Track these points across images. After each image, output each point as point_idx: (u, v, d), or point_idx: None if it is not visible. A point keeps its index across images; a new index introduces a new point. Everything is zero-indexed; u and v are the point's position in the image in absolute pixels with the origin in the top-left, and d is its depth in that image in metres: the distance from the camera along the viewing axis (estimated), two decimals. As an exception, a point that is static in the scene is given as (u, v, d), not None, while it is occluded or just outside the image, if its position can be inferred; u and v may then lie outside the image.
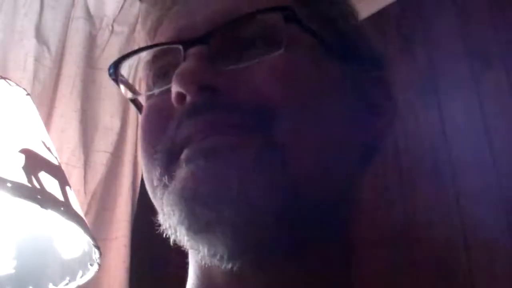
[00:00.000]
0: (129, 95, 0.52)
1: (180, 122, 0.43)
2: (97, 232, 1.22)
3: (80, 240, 0.87)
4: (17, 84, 0.97)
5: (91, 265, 0.88)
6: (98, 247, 0.86)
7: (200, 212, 0.40)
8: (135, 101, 0.54)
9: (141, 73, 0.52)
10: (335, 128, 0.46)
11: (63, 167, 0.98)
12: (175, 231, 0.43)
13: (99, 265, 0.88)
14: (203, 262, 0.44)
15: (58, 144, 1.27)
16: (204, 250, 0.41)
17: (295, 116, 0.43)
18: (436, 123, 1.40)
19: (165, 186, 0.43)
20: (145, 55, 0.50)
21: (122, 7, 1.60)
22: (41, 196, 0.78)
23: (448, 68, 1.41)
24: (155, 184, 0.45)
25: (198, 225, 0.40)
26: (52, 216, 0.81)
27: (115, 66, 0.50)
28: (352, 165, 0.49)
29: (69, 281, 0.89)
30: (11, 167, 0.79)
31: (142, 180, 1.42)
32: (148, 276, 1.43)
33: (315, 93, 0.46)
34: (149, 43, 0.55)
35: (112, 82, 1.36)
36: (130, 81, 0.54)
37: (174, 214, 0.41)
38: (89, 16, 1.54)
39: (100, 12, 1.57)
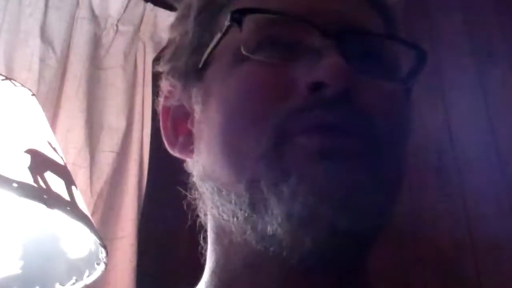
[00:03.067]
0: (243, 49, 0.47)
1: (311, 107, 0.43)
2: (103, 231, 1.22)
3: (86, 239, 0.87)
4: (22, 85, 0.97)
5: (98, 264, 0.88)
6: (104, 246, 0.86)
7: (328, 213, 0.40)
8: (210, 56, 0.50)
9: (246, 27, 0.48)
10: (407, 146, 0.49)
11: (69, 167, 0.98)
12: (266, 210, 0.42)
13: (106, 264, 0.88)
14: (250, 255, 0.45)
15: (64, 144, 1.27)
16: (288, 241, 0.41)
17: (396, 143, 0.46)
18: (441, 121, 1.40)
19: (279, 165, 0.42)
20: (265, 16, 0.48)
21: (126, 7, 1.60)
22: (47, 196, 0.78)
23: (453, 66, 1.41)
24: (251, 152, 0.44)
25: (316, 222, 0.40)
26: (58, 216, 0.81)
27: (242, 14, 0.47)
28: None
29: (76, 280, 0.89)
30: (17, 167, 0.79)
31: (148, 179, 1.43)
32: (155, 275, 1.43)
33: (408, 125, 0.49)
34: None
35: (117, 81, 1.33)
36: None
37: (293, 201, 0.41)
38: (93, 16, 1.54)
39: (105, 12, 1.57)
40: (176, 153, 0.55)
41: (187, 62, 0.53)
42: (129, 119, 1.47)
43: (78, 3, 1.52)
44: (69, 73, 1.42)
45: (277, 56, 0.47)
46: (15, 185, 0.75)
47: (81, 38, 1.47)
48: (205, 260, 0.52)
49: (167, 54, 0.57)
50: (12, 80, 0.96)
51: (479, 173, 1.31)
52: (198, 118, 0.51)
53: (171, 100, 0.56)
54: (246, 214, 0.43)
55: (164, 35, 1.64)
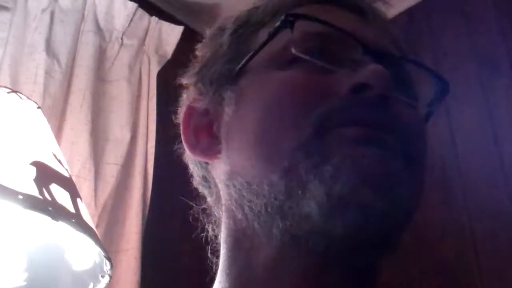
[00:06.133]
0: (294, 49, 0.50)
1: (351, 106, 0.46)
2: (107, 244, 1.22)
3: (91, 251, 0.88)
4: (28, 97, 0.98)
5: (102, 277, 0.88)
6: (109, 259, 0.86)
7: (367, 194, 0.42)
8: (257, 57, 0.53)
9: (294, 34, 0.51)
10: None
11: (74, 179, 0.98)
12: (303, 193, 0.43)
13: (110, 277, 0.88)
14: (279, 242, 0.46)
15: (69, 156, 1.28)
16: (320, 223, 0.43)
17: (422, 158, 0.49)
18: (445, 132, 1.40)
19: (320, 149, 0.44)
20: (309, 26, 0.51)
21: (131, 20, 1.61)
22: (52, 208, 0.78)
23: (456, 76, 1.41)
24: (289, 141, 0.45)
25: (353, 201, 0.42)
26: (63, 228, 0.82)
27: (296, 18, 0.51)
28: None
29: (80, 293, 0.89)
30: (23, 179, 0.79)
31: (152, 192, 1.43)
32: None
33: (427, 143, 0.51)
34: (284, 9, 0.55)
35: (122, 94, 1.35)
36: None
37: (335, 179, 0.42)
38: (98, 30, 1.55)
39: (110, 25, 1.58)
40: (197, 155, 0.57)
41: (221, 70, 0.56)
42: (134, 132, 1.48)
43: (83, 16, 1.54)
44: (74, 86, 1.42)
45: (320, 63, 0.49)
46: (20, 197, 0.75)
47: (86, 51, 1.49)
48: (214, 272, 0.53)
49: (196, 67, 0.60)
50: (18, 93, 0.97)
51: (483, 185, 1.30)
52: (228, 120, 0.53)
53: (196, 106, 0.58)
54: (280, 202, 0.44)
55: (169, 49, 1.65)
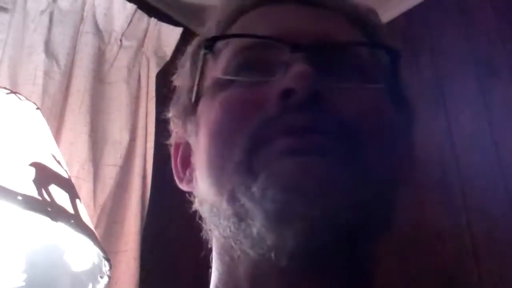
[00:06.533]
0: (217, 73, 0.51)
1: (281, 114, 0.45)
2: (106, 245, 1.22)
3: (90, 252, 0.88)
4: (27, 98, 0.98)
5: (101, 277, 0.88)
6: (108, 259, 0.86)
7: (300, 205, 0.41)
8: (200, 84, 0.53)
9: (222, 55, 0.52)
10: (394, 148, 0.49)
11: (73, 180, 0.98)
12: (246, 215, 0.43)
13: (109, 277, 0.88)
14: (240, 256, 0.46)
15: (68, 157, 1.28)
16: (273, 240, 0.42)
17: (375, 143, 0.46)
18: (443, 133, 1.40)
19: (250, 169, 0.44)
20: (238, 41, 0.51)
21: (130, 21, 1.61)
22: (51, 209, 0.78)
23: (455, 78, 1.41)
24: (228, 165, 0.45)
25: (290, 215, 0.41)
26: (62, 229, 0.82)
27: (213, 41, 0.52)
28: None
29: (79, 294, 0.89)
30: (22, 180, 0.79)
31: (151, 192, 1.43)
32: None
33: (388, 126, 0.49)
34: (223, 26, 0.56)
35: (121, 95, 1.35)
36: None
37: (264, 199, 0.42)
38: (97, 31, 1.55)
39: (109, 26, 1.58)
40: (184, 187, 0.58)
41: (184, 101, 0.56)
42: (133, 133, 1.48)
43: (82, 17, 1.54)
44: (73, 87, 1.42)
45: (253, 77, 0.49)
46: (19, 197, 0.75)
47: (85, 53, 1.49)
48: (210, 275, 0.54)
49: (172, 100, 0.61)
50: (17, 94, 0.97)
51: (482, 186, 1.31)
52: (194, 150, 0.54)
53: (179, 139, 0.60)
54: (236, 225, 0.45)
55: (168, 50, 1.65)
